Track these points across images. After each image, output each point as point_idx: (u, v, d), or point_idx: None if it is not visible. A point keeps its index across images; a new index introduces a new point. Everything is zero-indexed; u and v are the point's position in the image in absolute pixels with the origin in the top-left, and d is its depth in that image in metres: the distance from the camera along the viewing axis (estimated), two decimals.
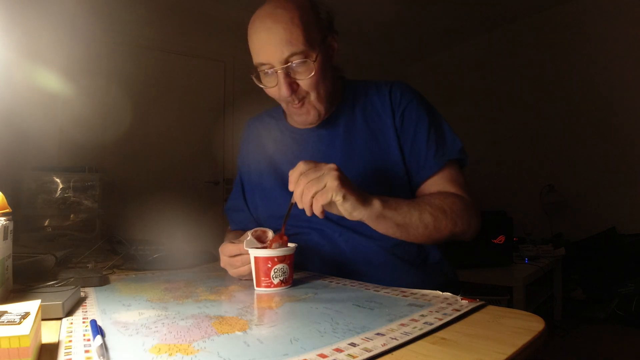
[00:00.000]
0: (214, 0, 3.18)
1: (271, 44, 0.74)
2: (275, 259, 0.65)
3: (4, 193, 0.58)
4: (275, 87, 0.79)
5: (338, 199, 0.62)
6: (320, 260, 0.84)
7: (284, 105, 0.86)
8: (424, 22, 3.66)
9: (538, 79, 3.58)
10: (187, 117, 3.08)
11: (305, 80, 0.77)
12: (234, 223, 1.05)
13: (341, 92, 0.92)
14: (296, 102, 0.80)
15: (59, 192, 1.95)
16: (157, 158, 2.92)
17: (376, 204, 0.67)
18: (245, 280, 0.74)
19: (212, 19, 3.20)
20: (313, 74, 0.76)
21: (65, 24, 2.48)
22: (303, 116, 0.84)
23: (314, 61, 0.76)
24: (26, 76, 2.11)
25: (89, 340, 0.42)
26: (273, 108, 1.02)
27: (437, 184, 0.82)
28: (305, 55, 0.75)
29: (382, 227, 0.71)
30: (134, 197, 2.69)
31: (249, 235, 0.71)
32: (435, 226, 0.73)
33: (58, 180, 1.96)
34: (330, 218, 0.82)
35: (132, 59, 2.83)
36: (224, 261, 0.75)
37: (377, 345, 0.38)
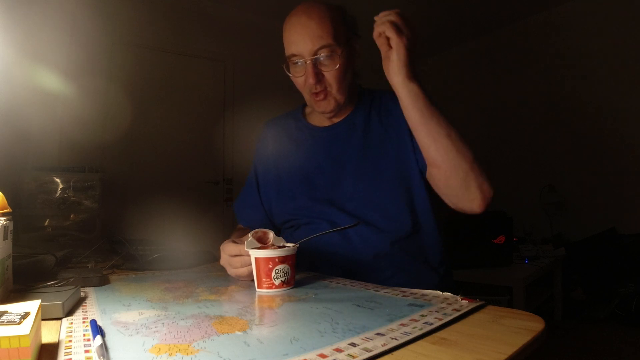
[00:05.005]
0: (214, 0, 3.18)
1: (304, 37, 0.84)
2: (276, 260, 0.64)
3: (4, 193, 0.58)
4: (302, 77, 0.88)
5: (395, 47, 0.73)
6: (329, 249, 0.87)
7: (307, 96, 0.92)
8: (424, 22, 3.65)
9: (538, 78, 3.57)
10: (187, 117, 3.07)
11: (330, 72, 0.86)
12: (244, 220, 1.07)
13: (358, 96, 1.00)
14: (319, 90, 0.88)
15: (59, 192, 1.95)
16: (157, 158, 2.91)
17: (415, 85, 0.75)
18: (245, 280, 0.74)
19: (212, 19, 3.20)
20: (338, 66, 0.85)
21: (65, 24, 2.47)
22: (323, 105, 0.91)
23: (339, 55, 0.85)
24: (26, 76, 2.11)
25: (89, 340, 0.42)
26: (292, 110, 1.08)
27: None
28: (332, 49, 0.84)
29: (408, 104, 0.77)
30: (134, 197, 2.69)
31: (249, 237, 0.70)
32: (455, 142, 0.77)
33: (58, 180, 1.95)
34: (345, 209, 0.88)
35: (132, 59, 2.83)
36: (224, 259, 0.76)
37: (377, 345, 0.38)
